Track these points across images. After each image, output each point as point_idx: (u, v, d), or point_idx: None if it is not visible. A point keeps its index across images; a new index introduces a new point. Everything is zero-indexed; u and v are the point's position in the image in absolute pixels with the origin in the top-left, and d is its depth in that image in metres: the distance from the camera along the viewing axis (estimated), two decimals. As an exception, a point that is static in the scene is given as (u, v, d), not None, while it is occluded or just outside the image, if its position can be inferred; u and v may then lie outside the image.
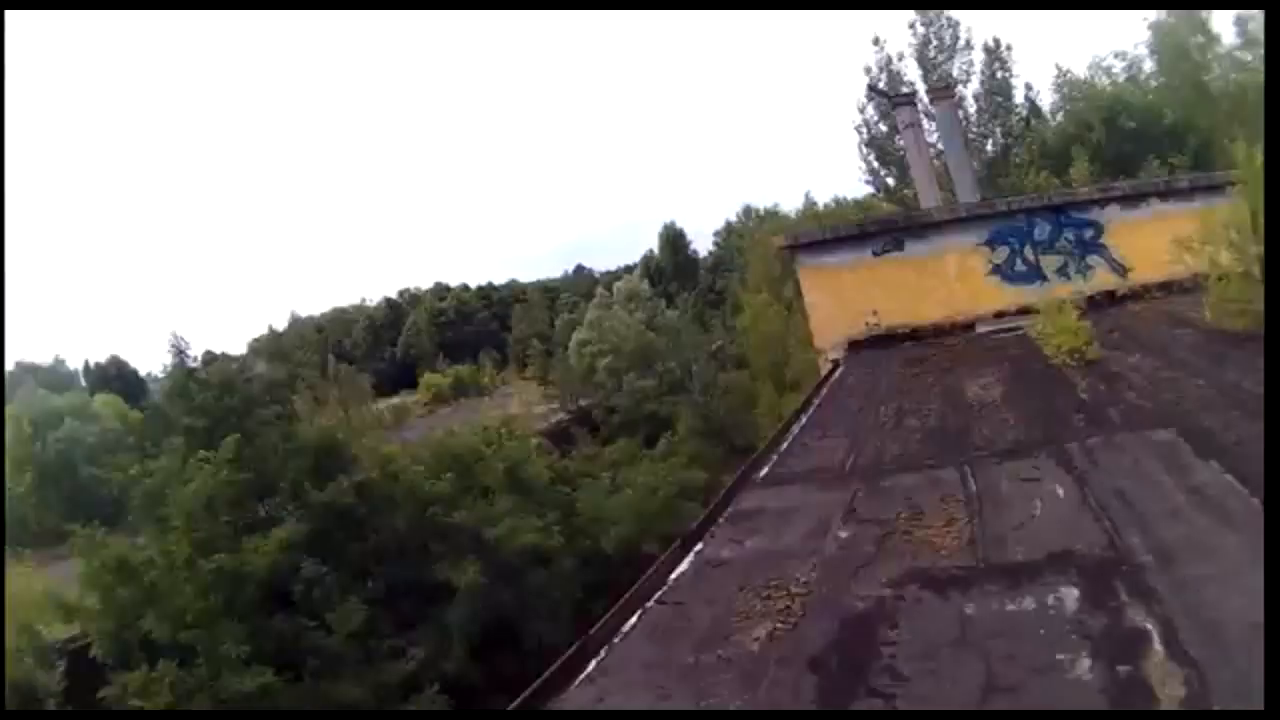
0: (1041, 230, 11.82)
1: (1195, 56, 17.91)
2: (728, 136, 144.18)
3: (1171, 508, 4.01)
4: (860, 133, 21.87)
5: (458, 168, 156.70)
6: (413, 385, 55.52)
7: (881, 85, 19.22)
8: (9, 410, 33.69)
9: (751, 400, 29.70)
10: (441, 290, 73.93)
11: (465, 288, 73.89)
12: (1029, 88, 20.99)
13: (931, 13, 20.60)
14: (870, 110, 21.45)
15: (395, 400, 50.72)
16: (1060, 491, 4.62)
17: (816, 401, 9.52)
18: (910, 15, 20.85)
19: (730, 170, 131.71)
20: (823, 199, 44.75)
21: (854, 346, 11.70)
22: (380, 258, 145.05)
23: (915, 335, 11.51)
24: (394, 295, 75.07)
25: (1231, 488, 4.04)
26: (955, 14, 20.58)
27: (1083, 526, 4.04)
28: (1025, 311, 10.83)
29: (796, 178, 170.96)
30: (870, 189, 23.29)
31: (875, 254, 11.86)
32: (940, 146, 16.71)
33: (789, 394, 23.41)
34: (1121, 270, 11.65)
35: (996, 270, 11.75)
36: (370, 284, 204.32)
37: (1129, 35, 32.89)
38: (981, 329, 11.27)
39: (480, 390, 52.02)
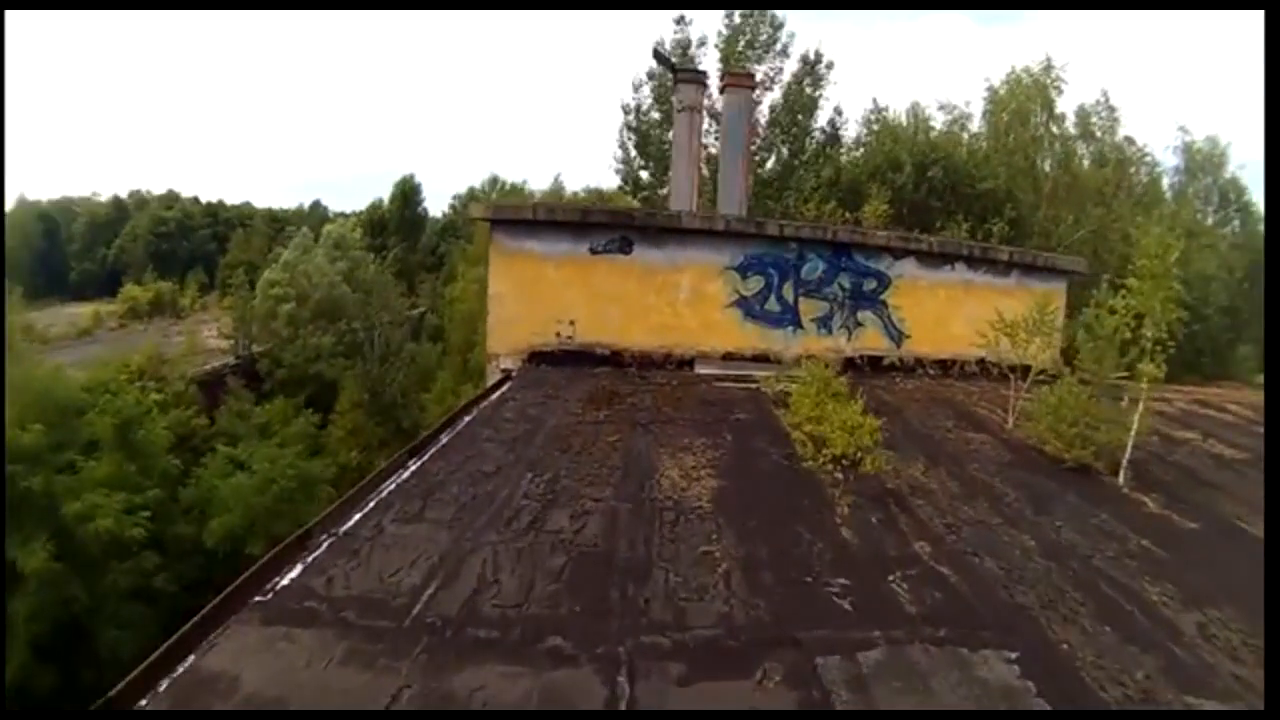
0: (813, 268, 8.91)
1: (1032, 129, 16.39)
2: (505, 108, 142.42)
3: None
4: (626, 112, 18.07)
5: (237, 81, 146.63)
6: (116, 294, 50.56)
7: (672, 60, 15.70)
8: None
9: (432, 378, 27.12)
10: (171, 199, 67.31)
11: (195, 200, 67.39)
12: (837, 112, 17.99)
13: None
14: (646, 91, 17.80)
15: (89, 308, 45.76)
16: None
17: (443, 439, 5.93)
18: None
19: (494, 143, 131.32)
20: (574, 185, 44.10)
21: (535, 358, 8.52)
22: (130, 150, 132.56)
23: (616, 359, 8.50)
24: (124, 194, 69.19)
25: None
26: (782, 14, 17.65)
27: None
28: (762, 358, 8.40)
29: (557, 162, 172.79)
30: (619, 180, 19.07)
31: (593, 251, 8.59)
32: (715, 149, 13.50)
33: (470, 385, 20.59)
34: (897, 337, 8.95)
35: (741, 303, 8.68)
36: (109, 177, 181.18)
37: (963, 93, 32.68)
38: (702, 369, 8.47)
39: (178, 312, 47.24)
